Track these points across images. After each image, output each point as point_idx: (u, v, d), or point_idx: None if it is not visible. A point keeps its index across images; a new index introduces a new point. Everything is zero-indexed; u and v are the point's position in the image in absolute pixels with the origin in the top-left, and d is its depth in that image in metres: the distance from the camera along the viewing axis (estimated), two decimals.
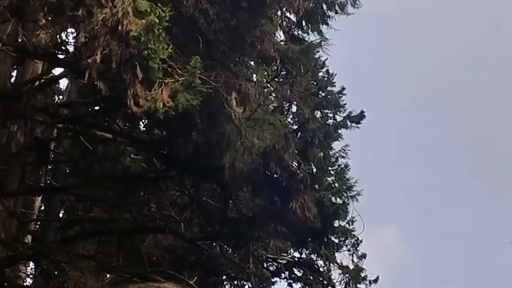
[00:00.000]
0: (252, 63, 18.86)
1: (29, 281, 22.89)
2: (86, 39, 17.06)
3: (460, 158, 48.64)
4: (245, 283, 23.93)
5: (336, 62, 23.56)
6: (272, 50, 18.00)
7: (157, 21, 14.74)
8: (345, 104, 22.53)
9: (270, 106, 19.98)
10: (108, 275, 21.91)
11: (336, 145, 21.76)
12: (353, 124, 22.12)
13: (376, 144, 45.06)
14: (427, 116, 49.85)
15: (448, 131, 48.68)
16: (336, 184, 20.22)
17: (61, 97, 23.91)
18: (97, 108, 22.19)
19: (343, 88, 22.80)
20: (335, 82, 22.92)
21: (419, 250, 46.85)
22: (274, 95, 20.11)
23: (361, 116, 22.33)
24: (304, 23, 19.24)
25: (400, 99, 49.09)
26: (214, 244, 22.46)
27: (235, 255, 22.29)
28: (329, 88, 22.78)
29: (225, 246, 22.59)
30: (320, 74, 22.94)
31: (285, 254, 22.86)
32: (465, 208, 46.41)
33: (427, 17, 49.13)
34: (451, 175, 48.50)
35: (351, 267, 22.55)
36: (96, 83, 15.53)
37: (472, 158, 47.97)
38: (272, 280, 23.40)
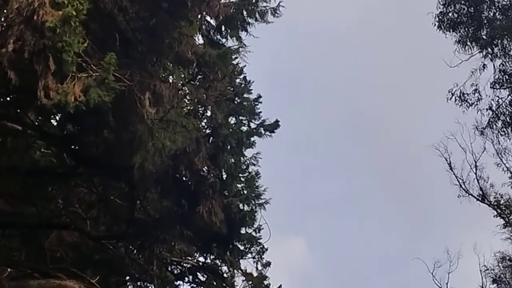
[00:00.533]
0: (169, 64, 18.73)
1: None
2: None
3: (370, 172, 49.45)
4: (148, 285, 23.74)
5: (255, 70, 23.70)
6: (189, 52, 17.92)
7: (74, 13, 14.47)
8: (260, 112, 22.62)
9: (185, 109, 19.89)
10: (8, 269, 21.41)
11: (249, 153, 21.94)
12: (267, 133, 22.23)
13: (290, 155, 45.42)
14: (342, 129, 50.56)
15: (360, 145, 49.51)
16: (245, 191, 20.27)
17: None
18: (8, 99, 21.71)
19: (260, 96, 22.87)
20: (251, 90, 22.96)
21: (325, 260, 47.38)
22: (189, 98, 20.03)
23: (275, 125, 22.43)
24: (223, 28, 19.20)
25: (316, 112, 49.65)
26: (120, 244, 22.19)
27: (140, 256, 22.07)
28: (245, 95, 22.78)
29: (130, 247, 22.36)
30: (238, 80, 22.92)
31: (189, 258, 22.75)
32: (373, 221, 47.22)
33: (351, 36, 49.87)
34: (361, 187, 49.24)
35: (255, 274, 22.61)
36: (7, 72, 15.19)
37: (382, 173, 48.85)
38: (176, 283, 23.23)
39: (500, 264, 33.60)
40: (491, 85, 28.11)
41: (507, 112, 28.08)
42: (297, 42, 47.01)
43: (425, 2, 28.94)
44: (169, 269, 22.92)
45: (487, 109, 28.33)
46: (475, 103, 28.36)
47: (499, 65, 27.96)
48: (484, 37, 27.80)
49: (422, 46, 40.93)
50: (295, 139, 45.07)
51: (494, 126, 28.40)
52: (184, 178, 18.63)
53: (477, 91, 28.26)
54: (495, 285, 33.71)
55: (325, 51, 49.36)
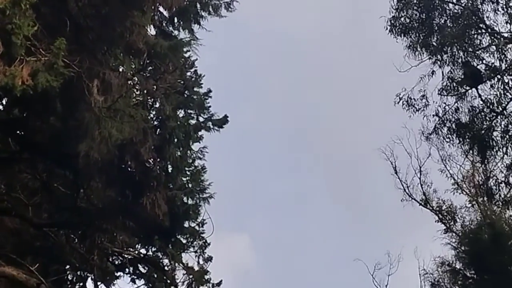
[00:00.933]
0: (120, 53, 18.59)
1: None
2: None
3: (317, 173, 49.74)
4: (88, 274, 23.52)
5: (207, 64, 23.70)
6: (141, 43, 17.80)
7: None
8: (209, 106, 22.60)
9: (133, 99, 19.78)
10: None
11: (196, 147, 21.91)
12: (215, 127, 22.23)
13: (239, 152, 45.48)
14: (291, 130, 50.77)
15: (309, 145, 49.79)
16: (190, 185, 20.24)
17: None
18: None
19: (210, 91, 22.82)
20: (202, 84, 22.91)
21: (268, 259, 47.52)
22: (138, 88, 19.91)
23: (224, 120, 22.44)
24: (176, 20, 19.14)
25: (267, 111, 49.81)
26: (61, 232, 22.01)
27: (81, 245, 21.91)
28: (195, 89, 22.73)
29: (72, 235, 22.18)
30: (188, 74, 22.86)
31: (131, 250, 22.62)
32: (317, 221, 47.52)
33: (304, 37, 50.05)
34: (307, 187, 49.50)
35: (196, 268, 22.57)
36: None
37: (328, 174, 49.21)
38: (116, 274, 23.08)
39: (439, 269, 34.06)
40: (439, 92, 28.44)
41: (452, 119, 28.43)
42: (250, 40, 47.13)
43: (379, 6, 29.17)
44: (110, 259, 22.77)
45: (433, 115, 28.66)
46: (422, 108, 28.68)
47: (448, 72, 28.32)
48: (434, 43, 28.11)
49: (374, 49, 41.37)
50: (245, 136, 45.15)
51: (440, 132, 28.75)
52: (129, 169, 18.53)
53: (425, 97, 28.56)
54: None
55: (278, 51, 49.52)
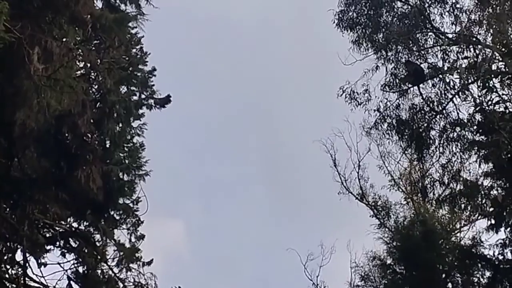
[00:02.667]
0: (64, 23, 18.32)
1: None
2: None
3: (256, 161, 49.83)
4: (18, 246, 23.17)
5: (153, 42, 23.54)
6: (86, 14, 17.62)
7: None
8: (153, 85, 22.46)
9: (76, 71, 19.54)
10: None
11: (137, 124, 21.79)
12: (157, 106, 22.13)
13: (180, 133, 45.29)
14: (234, 117, 50.67)
15: (250, 134, 49.83)
16: (127, 161, 20.09)
17: None
18: None
19: (154, 69, 22.67)
20: (147, 61, 22.73)
21: (201, 245, 47.41)
22: (81, 60, 19.68)
23: (167, 99, 22.36)
24: None
25: (212, 97, 49.67)
26: None
27: (12, 215, 21.57)
28: (140, 66, 22.56)
29: (4, 205, 21.83)
30: (134, 50, 22.66)
31: (63, 223, 22.31)
32: (253, 209, 47.62)
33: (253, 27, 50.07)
34: (245, 175, 49.47)
35: (128, 245, 22.42)
36: None
37: (268, 163, 49.31)
38: (46, 247, 22.80)
39: (370, 263, 34.44)
40: (382, 88, 28.71)
41: (393, 115, 28.76)
42: (199, 28, 46.85)
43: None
44: (41, 232, 22.47)
45: (375, 110, 28.96)
46: (364, 103, 28.94)
47: (391, 69, 28.65)
48: (380, 40, 28.40)
49: (319, 41, 41.52)
50: (187, 120, 44.93)
51: (380, 128, 29.07)
52: (66, 141, 18.32)
53: (368, 91, 28.80)
54: (363, 282, 34.49)
55: (221, 38, 49.37)
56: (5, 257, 22.59)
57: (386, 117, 29.01)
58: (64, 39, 18.37)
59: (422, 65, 28.56)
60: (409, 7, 28.61)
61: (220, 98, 48.47)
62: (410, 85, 28.87)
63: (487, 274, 27.82)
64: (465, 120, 27.85)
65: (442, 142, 28.79)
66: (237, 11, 47.83)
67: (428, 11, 28.47)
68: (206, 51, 48.39)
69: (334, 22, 28.81)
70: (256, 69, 49.18)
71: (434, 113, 28.61)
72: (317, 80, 44.31)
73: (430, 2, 28.36)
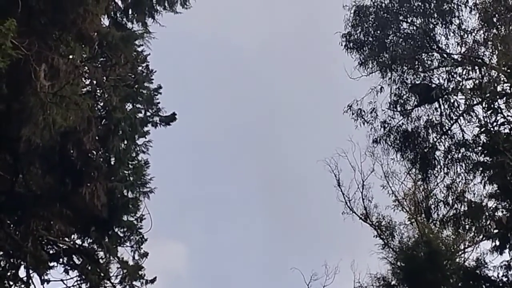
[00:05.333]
0: (70, 40, 18.42)
1: None
2: None
3: (259, 180, 49.75)
4: (21, 262, 23.17)
5: (160, 61, 23.67)
6: (93, 31, 17.70)
7: None
8: (158, 102, 22.56)
9: (82, 88, 19.62)
10: None
11: (142, 141, 21.83)
12: (162, 124, 22.19)
13: (183, 151, 45.25)
14: (239, 136, 50.66)
15: (253, 153, 49.77)
16: (132, 178, 20.10)
17: None
18: None
19: (160, 87, 22.78)
20: (153, 79, 22.84)
21: (203, 265, 47.22)
22: (87, 77, 19.76)
23: (172, 117, 22.42)
24: (130, 12, 19.09)
25: (214, 113, 49.67)
26: None
27: (16, 231, 21.58)
28: (146, 84, 22.65)
29: (8, 221, 21.84)
30: (140, 68, 22.77)
31: (67, 239, 22.32)
32: (256, 229, 47.47)
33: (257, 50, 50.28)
34: (248, 195, 49.36)
35: (131, 263, 22.39)
36: None
37: (271, 182, 49.19)
38: (50, 264, 22.77)
39: (374, 283, 34.34)
40: (388, 106, 28.77)
41: (398, 135, 28.80)
42: (203, 48, 47.03)
43: (334, 21, 29.41)
44: (45, 248, 22.47)
45: (380, 127, 29.00)
46: (371, 120, 29.00)
47: (396, 89, 28.71)
48: (385, 60, 28.46)
49: (322, 63, 41.75)
50: (192, 138, 44.95)
51: (385, 145, 29.10)
52: (71, 157, 18.34)
53: (374, 110, 28.88)
54: None
55: (224, 60, 49.51)
56: (9, 273, 22.60)
57: (391, 135, 29.02)
58: (70, 56, 18.46)
59: (427, 86, 28.58)
60: (415, 28, 28.68)
61: (223, 117, 48.53)
62: (415, 105, 28.90)
63: None
64: (470, 141, 27.83)
65: (446, 162, 28.78)
66: (240, 33, 48.06)
67: (434, 32, 28.54)
68: (210, 70, 48.59)
69: (341, 44, 28.93)
70: (258, 89, 49.30)
71: (439, 134, 28.60)
72: (319, 101, 44.43)
73: (435, 23, 28.43)
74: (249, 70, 49.53)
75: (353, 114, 29.06)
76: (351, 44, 29.01)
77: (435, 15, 28.34)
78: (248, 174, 49.21)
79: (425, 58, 29.00)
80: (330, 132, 43.37)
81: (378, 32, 29.00)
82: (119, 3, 19.03)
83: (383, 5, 28.85)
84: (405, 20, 28.86)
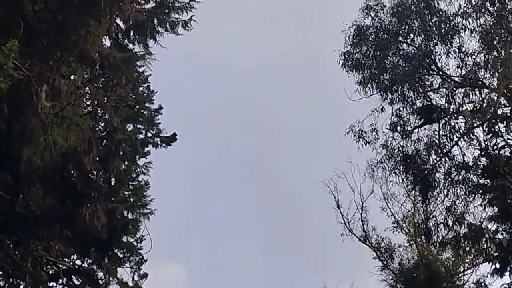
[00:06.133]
0: (72, 61, 18.47)
1: None
2: None
3: (258, 202, 49.66)
4: (20, 282, 23.10)
5: (161, 81, 23.73)
6: (94, 52, 17.75)
7: None
8: (159, 123, 22.58)
9: (83, 109, 19.65)
10: None
11: (143, 162, 21.85)
12: (163, 144, 22.20)
13: (184, 172, 45.24)
14: (237, 156, 50.67)
15: (252, 172, 49.71)
16: (132, 199, 20.09)
17: None
18: None
19: (161, 107, 22.82)
20: (154, 100, 22.88)
21: (201, 287, 47.13)
22: (88, 97, 19.80)
23: (172, 138, 22.43)
24: (132, 33, 19.15)
25: (214, 134, 49.72)
26: None
27: (15, 251, 21.52)
28: (146, 104, 22.69)
29: (7, 241, 21.79)
30: (141, 88, 22.81)
31: (66, 260, 22.26)
32: (254, 252, 47.35)
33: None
34: (247, 216, 49.25)
35: (131, 284, 22.31)
36: None
37: (270, 204, 49.10)
38: (49, 284, 22.71)
39: None
40: (389, 127, 28.76)
41: (398, 157, 28.79)
42: (206, 70, 47.17)
43: (334, 42, 29.47)
44: (44, 268, 22.39)
45: (381, 147, 28.99)
46: (372, 141, 28.98)
47: (396, 110, 28.72)
48: (385, 81, 28.50)
49: (321, 85, 41.91)
50: (192, 158, 44.91)
51: (386, 165, 29.07)
52: (71, 178, 18.34)
53: (375, 130, 28.88)
54: None
55: (232, 82, 49.69)
56: None
57: (392, 155, 29.00)
58: (72, 77, 18.52)
59: (428, 107, 28.59)
60: (415, 48, 28.74)
61: (222, 138, 48.57)
62: (415, 127, 28.91)
63: None
64: (470, 163, 27.81)
65: (447, 184, 28.73)
66: (240, 54, 48.19)
67: (434, 53, 28.57)
68: (210, 91, 48.75)
69: (339, 62, 28.95)
70: (258, 110, 49.39)
71: (440, 156, 28.59)
72: (318, 123, 44.49)
73: (435, 44, 28.46)
74: (248, 91, 49.71)
75: (354, 135, 29.07)
76: (349, 63, 29.06)
77: (435, 37, 28.40)
78: (247, 196, 49.23)
79: (425, 80, 29.07)
80: (329, 154, 43.42)
81: (378, 52, 29.05)
82: (121, 24, 19.06)
83: (383, 25, 28.92)
84: (405, 41, 28.92)
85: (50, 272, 22.63)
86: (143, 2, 18.64)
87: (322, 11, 40.58)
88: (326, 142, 43.85)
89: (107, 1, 16.82)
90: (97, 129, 20.29)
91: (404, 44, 29.02)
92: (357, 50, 29.08)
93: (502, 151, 25.60)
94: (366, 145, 29.11)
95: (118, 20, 18.75)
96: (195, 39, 21.49)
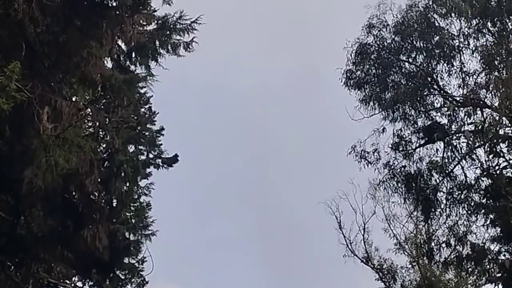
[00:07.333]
0: (74, 83, 18.50)
1: None
2: None
3: (259, 223, 49.48)
4: None
5: (162, 102, 23.75)
6: (96, 74, 17.76)
7: None
8: (161, 144, 22.62)
9: (84, 130, 19.65)
10: None
11: (144, 183, 21.85)
12: (165, 165, 22.19)
13: (184, 192, 45.13)
14: (234, 176, 50.50)
15: (252, 194, 49.58)
16: (133, 220, 20.06)
17: None
18: None
19: (162, 128, 22.90)
20: (155, 121, 22.93)
21: None
22: (90, 119, 19.80)
23: (174, 159, 22.43)
24: (134, 55, 19.17)
25: (216, 155, 49.66)
26: None
27: (17, 273, 21.44)
28: (148, 125, 22.73)
29: (8, 263, 21.72)
30: (142, 110, 22.85)
31: (67, 282, 22.20)
32: (253, 273, 47.12)
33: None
34: (246, 235, 49.03)
35: None
36: None
37: (268, 226, 48.94)
38: None
39: None
40: (390, 147, 28.72)
41: (400, 177, 28.73)
42: (204, 91, 47.29)
43: (334, 63, 29.49)
44: None
45: (384, 167, 28.92)
46: (374, 162, 28.93)
47: (398, 130, 28.68)
48: (387, 100, 28.48)
49: (323, 102, 41.89)
50: (192, 180, 44.81)
51: (388, 186, 28.98)
52: (73, 199, 18.31)
53: (377, 150, 28.82)
54: None
55: (233, 102, 49.79)
56: None
57: (394, 175, 28.92)
58: (73, 99, 18.54)
59: (429, 127, 28.56)
60: (416, 67, 28.73)
61: (224, 159, 48.52)
62: (417, 146, 28.87)
63: None
64: (472, 183, 27.75)
65: (449, 204, 28.63)
66: (240, 76, 48.32)
67: (435, 72, 28.56)
68: (211, 112, 48.81)
69: (341, 81, 28.94)
70: (259, 131, 49.41)
71: (442, 175, 28.51)
72: (318, 144, 44.42)
73: (436, 62, 28.44)
74: (249, 112, 49.72)
75: (356, 156, 29.02)
76: (351, 81, 29.07)
77: (437, 56, 28.42)
78: (248, 218, 49.04)
79: (427, 99, 29.06)
80: (330, 176, 43.26)
81: (380, 71, 29.06)
82: (123, 46, 19.08)
83: (385, 43, 28.94)
84: (407, 60, 28.94)
85: None
86: (144, 23, 18.64)
87: (323, 34, 40.72)
88: (327, 164, 43.75)
89: (109, 23, 16.84)
90: (98, 150, 20.26)
91: (406, 63, 29.04)
92: (359, 68, 29.09)
93: (504, 172, 25.55)
94: (368, 165, 29.05)
95: (120, 42, 18.77)
96: (196, 61, 21.48)
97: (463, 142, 27.85)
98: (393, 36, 28.79)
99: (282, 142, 48.18)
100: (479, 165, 27.06)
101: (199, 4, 20.00)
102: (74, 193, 18.31)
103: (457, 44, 27.97)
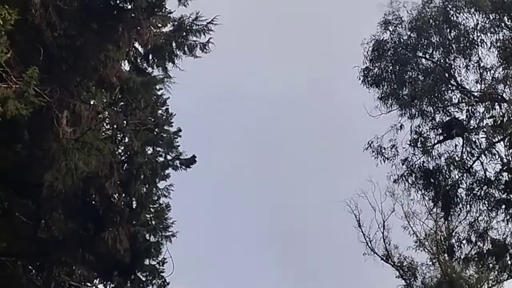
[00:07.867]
0: (92, 86, 18.57)
1: None
2: None
3: (278, 222, 49.36)
4: None
5: (180, 103, 23.78)
6: (114, 77, 17.82)
7: (1, 22, 14.27)
8: (178, 145, 22.60)
9: (103, 133, 19.72)
10: None
11: (163, 185, 21.87)
12: (183, 167, 22.20)
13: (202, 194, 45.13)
14: (251, 178, 50.43)
15: (272, 193, 49.47)
16: (154, 222, 20.11)
17: None
18: None
19: (180, 130, 22.87)
20: (173, 122, 22.93)
21: None
22: (108, 122, 19.86)
23: (192, 160, 22.42)
24: (151, 57, 19.14)
25: (233, 156, 49.64)
26: (18, 263, 21.63)
27: (38, 277, 21.58)
28: (165, 127, 22.74)
29: (30, 266, 21.84)
30: (160, 111, 22.87)
31: (89, 284, 22.33)
32: (272, 273, 47.06)
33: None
34: (266, 236, 48.98)
35: None
36: None
37: (289, 222, 48.85)
38: None
39: None
40: (409, 143, 28.57)
41: (419, 174, 28.59)
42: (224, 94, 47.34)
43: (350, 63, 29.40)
44: None
45: (401, 165, 28.79)
46: (391, 157, 28.80)
47: (416, 127, 28.55)
48: (405, 96, 28.36)
49: (337, 104, 41.92)
50: (210, 181, 44.77)
51: (406, 185, 28.87)
52: (93, 202, 18.37)
53: (395, 146, 28.70)
54: None
55: (250, 104, 49.80)
56: None
57: (413, 171, 28.78)
58: (92, 102, 18.58)
59: (448, 123, 28.41)
60: (434, 63, 28.59)
61: (240, 161, 48.54)
62: (436, 142, 28.72)
63: None
64: (492, 178, 27.58)
65: (469, 200, 28.45)
66: (255, 78, 48.29)
67: (453, 68, 28.39)
68: (228, 115, 48.90)
69: (359, 78, 28.84)
70: (276, 133, 49.39)
71: (461, 171, 28.36)
72: (335, 145, 44.35)
73: (454, 57, 28.29)
74: (265, 115, 49.72)
75: (373, 152, 28.88)
76: (369, 79, 28.96)
77: (454, 51, 28.26)
78: (265, 219, 48.97)
79: (445, 94, 28.90)
80: (345, 175, 43.17)
81: (397, 67, 28.93)
82: (140, 48, 19.10)
83: (402, 40, 28.81)
84: (424, 56, 28.80)
85: None
86: (161, 25, 18.64)
87: (337, 39, 40.72)
88: (343, 164, 43.64)
89: (125, 26, 16.89)
90: (117, 153, 20.32)
91: (423, 59, 28.89)
92: (376, 64, 28.98)
93: None
94: (385, 161, 28.91)
95: (136, 44, 18.81)
96: (212, 62, 21.42)
97: (482, 137, 27.67)
98: (409, 33, 28.64)
99: (299, 143, 48.17)
100: (498, 160, 26.92)
101: (214, 7, 19.96)
102: (94, 196, 18.37)
103: (474, 39, 27.81)
